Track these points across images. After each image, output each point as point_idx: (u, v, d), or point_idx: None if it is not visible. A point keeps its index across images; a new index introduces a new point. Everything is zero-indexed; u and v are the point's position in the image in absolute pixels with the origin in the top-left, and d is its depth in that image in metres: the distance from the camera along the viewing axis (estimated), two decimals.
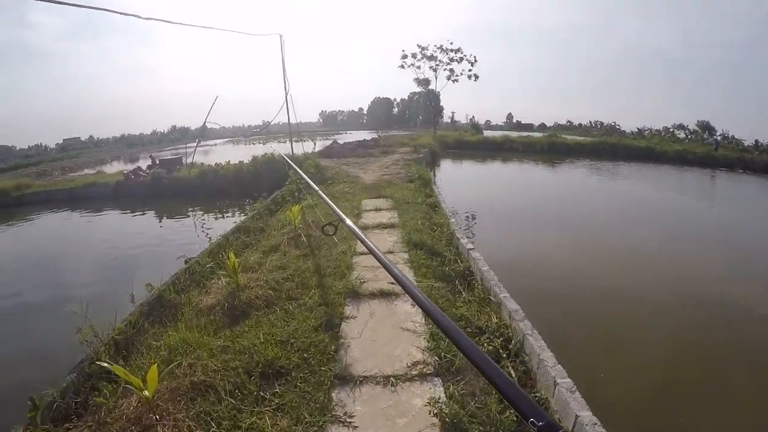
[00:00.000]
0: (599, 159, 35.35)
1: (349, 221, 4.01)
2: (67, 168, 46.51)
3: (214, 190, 18.86)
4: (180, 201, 18.93)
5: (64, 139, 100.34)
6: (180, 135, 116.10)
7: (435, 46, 51.76)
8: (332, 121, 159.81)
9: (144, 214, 17.33)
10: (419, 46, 51.85)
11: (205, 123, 19.36)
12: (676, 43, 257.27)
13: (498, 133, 52.58)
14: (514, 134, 50.63)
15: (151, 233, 14.12)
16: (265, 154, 19.28)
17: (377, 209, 11.00)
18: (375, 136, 40.16)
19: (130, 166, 27.79)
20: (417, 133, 48.47)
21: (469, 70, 52.00)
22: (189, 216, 16.45)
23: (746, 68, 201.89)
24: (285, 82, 13.66)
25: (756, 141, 43.32)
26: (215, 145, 73.23)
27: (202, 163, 22.50)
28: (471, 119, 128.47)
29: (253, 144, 66.50)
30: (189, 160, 22.88)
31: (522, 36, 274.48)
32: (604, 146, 39.45)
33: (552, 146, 39.79)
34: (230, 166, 19.73)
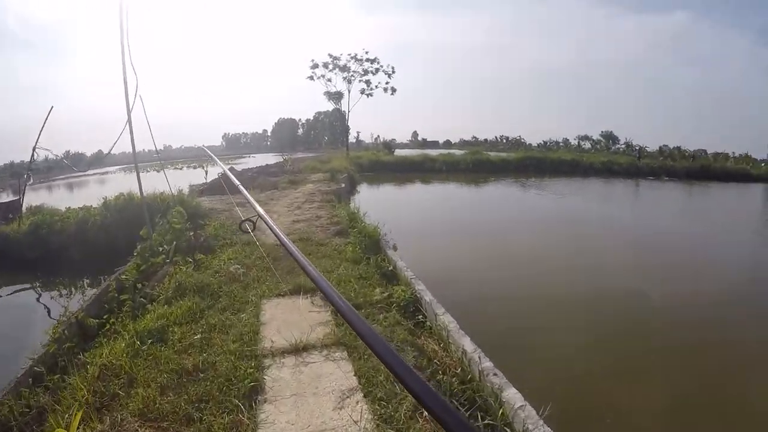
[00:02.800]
0: (526, 175, 32.99)
1: (266, 216, 3.09)
2: None
3: (52, 252, 12.49)
4: (5, 271, 12.44)
5: None
6: (74, 161, 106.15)
7: (348, 55, 46.46)
8: (235, 144, 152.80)
9: None
10: (330, 56, 46.23)
11: (34, 150, 12.78)
12: (572, 61, 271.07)
13: (414, 152, 48.23)
14: (433, 152, 46.57)
15: None
16: (121, 194, 13.02)
17: (297, 349, 4.75)
18: (280, 159, 33.72)
19: None
20: (327, 155, 42.91)
21: (386, 83, 47.13)
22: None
23: (639, 82, 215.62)
24: (125, 86, 7.96)
25: (678, 147, 43.48)
26: (107, 173, 64.96)
27: (43, 208, 15.79)
28: (377, 138, 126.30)
29: (147, 171, 59.39)
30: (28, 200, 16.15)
31: (422, 54, 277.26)
32: (531, 161, 36.78)
33: (477, 164, 36.32)
34: (70, 216, 13.29)
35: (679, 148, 47.76)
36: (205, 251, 8.44)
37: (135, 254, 8.57)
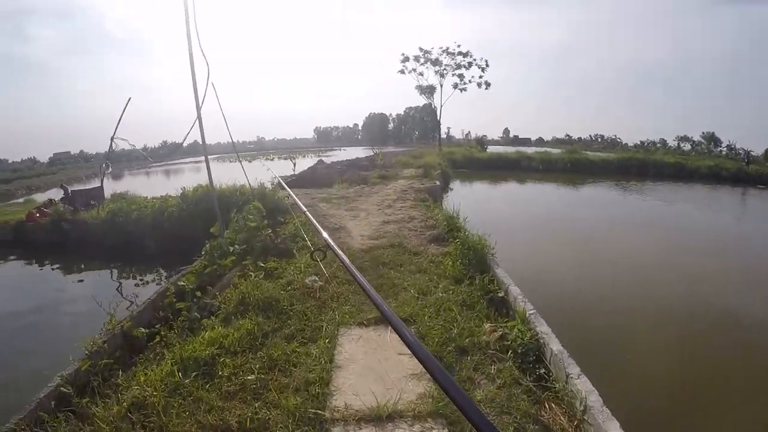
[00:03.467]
0: (626, 177, 29.58)
1: (334, 245, 2.80)
2: (33, 187, 40.24)
3: (127, 240, 11.99)
4: (83, 255, 12.25)
5: (54, 153, 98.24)
6: (170, 151, 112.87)
7: (440, 48, 44.40)
8: (327, 137, 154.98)
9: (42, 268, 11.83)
10: (421, 49, 44.38)
11: (112, 140, 12.30)
12: (670, 56, 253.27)
13: (509, 149, 45.66)
14: (528, 150, 43.94)
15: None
16: (199, 185, 12.25)
17: (380, 418, 3.28)
18: (371, 153, 32.58)
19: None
20: (418, 150, 41.43)
21: (480, 77, 44.74)
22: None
23: (741, 79, 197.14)
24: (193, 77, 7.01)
25: None
26: (200, 162, 67.22)
27: (126, 196, 15.47)
28: (467, 134, 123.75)
29: (234, 162, 60.82)
30: (114, 188, 15.93)
31: (513, 50, 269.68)
32: (633, 163, 33.31)
33: (575, 164, 33.50)
34: (147, 205, 12.70)
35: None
36: (280, 254, 7.23)
37: (203, 253, 7.52)
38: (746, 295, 8.87)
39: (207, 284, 6.54)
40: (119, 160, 44.76)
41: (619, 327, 7.34)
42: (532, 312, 4.80)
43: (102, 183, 14.85)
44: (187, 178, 34.63)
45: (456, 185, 24.90)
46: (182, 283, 5.96)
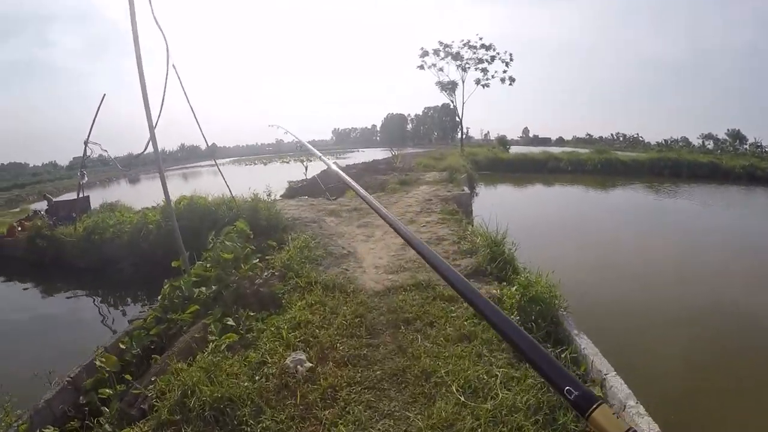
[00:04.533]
0: (659, 179, 27.49)
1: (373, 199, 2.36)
2: (46, 192, 38.97)
3: (103, 261, 10.04)
4: (59, 276, 10.48)
5: (74, 157, 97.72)
6: (187, 154, 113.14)
7: (461, 41, 41.43)
8: (345, 139, 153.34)
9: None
10: (441, 43, 41.55)
11: (86, 144, 10.28)
12: (688, 53, 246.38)
13: (535, 149, 43.01)
14: (555, 150, 41.43)
15: None
16: (183, 197, 10.11)
17: None
18: (389, 155, 30.00)
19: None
20: (438, 151, 39.08)
21: (504, 71, 41.86)
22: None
23: (762, 73, 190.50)
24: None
25: None
26: (212, 165, 65.95)
27: (115, 206, 13.56)
28: (486, 134, 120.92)
29: (255, 164, 59.58)
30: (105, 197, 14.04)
31: (531, 48, 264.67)
32: (666, 163, 30.79)
33: (606, 165, 31.08)
34: (126, 221, 10.72)
35: None
36: (261, 301, 5.15)
37: (160, 297, 5.54)
38: None
39: (155, 350, 4.56)
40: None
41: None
42: None
43: (79, 193, 12.88)
44: (191, 184, 32.90)
45: (482, 190, 22.62)
46: (100, 363, 3.94)
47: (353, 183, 2.87)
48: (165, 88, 6.29)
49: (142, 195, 18.17)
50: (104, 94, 10.19)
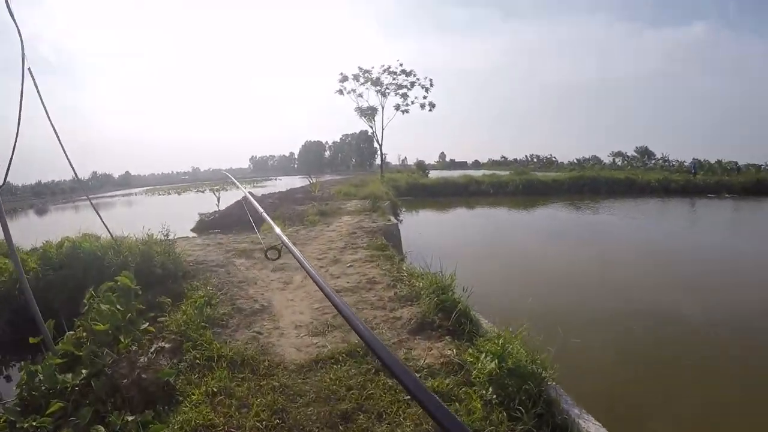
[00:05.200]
0: (580, 196, 28.84)
1: (290, 244, 2.33)
2: None
3: None
4: None
5: None
6: (100, 182, 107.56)
7: (381, 67, 40.86)
8: (263, 167, 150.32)
9: None
10: (361, 68, 41.03)
11: None
12: (593, 78, 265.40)
13: (455, 173, 43.15)
14: (476, 173, 41.87)
15: None
16: (65, 239, 8.22)
17: None
18: (307, 182, 28.61)
19: None
20: (358, 177, 38.17)
21: (424, 97, 41.65)
22: None
23: (665, 95, 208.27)
24: None
25: (719, 161, 38.90)
26: (131, 194, 62.55)
27: None
28: (404, 159, 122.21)
29: (168, 194, 56.19)
30: None
31: (444, 76, 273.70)
32: (585, 181, 32.31)
33: (527, 185, 31.90)
34: (2, 268, 8.61)
35: (720, 161, 41.79)
36: (149, 396, 3.77)
37: (15, 388, 4.03)
38: None
39: None
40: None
41: None
42: None
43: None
44: (90, 220, 30.00)
45: (406, 217, 21.68)
46: None
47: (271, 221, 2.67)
48: (21, 101, 4.83)
49: (42, 231, 15.66)
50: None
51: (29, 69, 4.74)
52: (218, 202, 17.89)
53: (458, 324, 4.69)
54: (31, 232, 13.78)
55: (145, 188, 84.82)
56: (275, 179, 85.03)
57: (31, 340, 4.78)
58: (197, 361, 4.22)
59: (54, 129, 5.58)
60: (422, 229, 17.34)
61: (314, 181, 25.66)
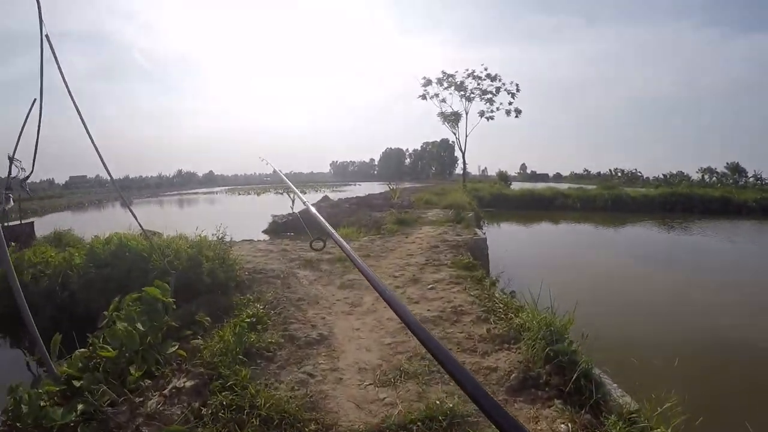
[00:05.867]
0: (671, 215, 26.15)
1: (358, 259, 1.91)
2: (30, 212, 36.42)
3: (18, 312, 7.41)
4: None
5: (70, 176, 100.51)
6: (185, 180, 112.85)
7: (465, 71, 39.09)
8: (343, 172, 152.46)
9: None
10: (444, 73, 39.36)
11: (11, 161, 7.85)
12: (681, 89, 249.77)
13: (539, 185, 41.10)
14: (561, 186, 39.53)
15: None
16: (114, 235, 7.41)
17: None
18: (386, 189, 27.58)
19: None
20: (438, 186, 36.84)
21: (510, 103, 39.31)
22: None
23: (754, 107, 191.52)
24: None
25: None
26: (213, 193, 65.18)
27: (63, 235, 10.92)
28: (483, 170, 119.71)
29: (248, 194, 57.42)
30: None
31: (525, 85, 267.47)
32: (677, 198, 29.28)
33: (616, 201, 29.30)
34: (51, 262, 7.96)
35: None
36: None
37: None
38: None
39: None
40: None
41: None
42: None
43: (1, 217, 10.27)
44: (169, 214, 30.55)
45: (491, 230, 20.05)
46: None
47: (334, 233, 2.16)
48: (41, 71, 4.01)
49: (115, 223, 15.53)
50: (34, 99, 7.84)
51: (47, 36, 3.84)
52: (292, 204, 17.09)
53: (578, 384, 3.32)
54: (108, 223, 13.53)
55: (226, 187, 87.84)
56: (355, 184, 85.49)
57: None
58: (220, 413, 3.09)
59: (81, 117, 4.66)
60: (508, 245, 15.62)
61: (394, 188, 24.60)
